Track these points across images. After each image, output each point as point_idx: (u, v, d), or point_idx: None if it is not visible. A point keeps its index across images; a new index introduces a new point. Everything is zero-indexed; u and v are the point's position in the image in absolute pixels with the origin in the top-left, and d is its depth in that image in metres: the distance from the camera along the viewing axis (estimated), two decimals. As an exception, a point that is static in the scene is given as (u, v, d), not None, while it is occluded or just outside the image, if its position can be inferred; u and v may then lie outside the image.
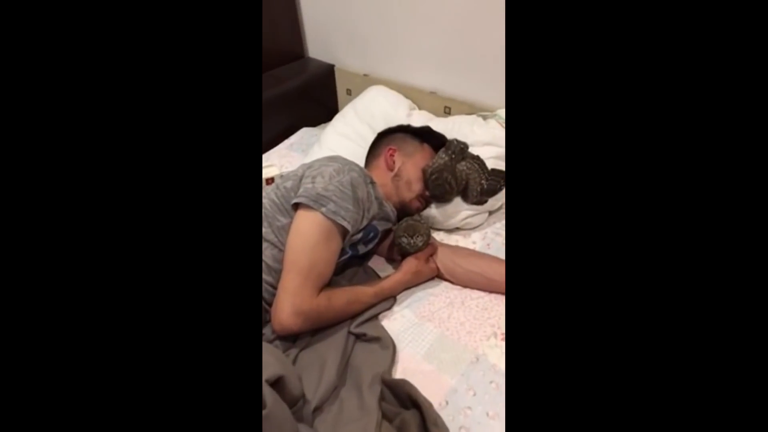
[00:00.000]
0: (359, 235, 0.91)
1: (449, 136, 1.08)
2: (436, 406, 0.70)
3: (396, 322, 0.87)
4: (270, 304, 0.81)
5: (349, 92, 1.58)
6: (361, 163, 1.03)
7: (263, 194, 0.90)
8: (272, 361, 0.64)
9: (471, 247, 1.06)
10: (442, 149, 1.04)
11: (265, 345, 0.72)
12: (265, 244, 0.83)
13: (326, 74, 1.60)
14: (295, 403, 0.66)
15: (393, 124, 1.12)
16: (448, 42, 1.28)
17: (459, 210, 1.09)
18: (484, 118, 1.20)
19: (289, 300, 0.76)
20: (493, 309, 0.88)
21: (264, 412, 0.55)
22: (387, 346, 0.80)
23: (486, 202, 1.09)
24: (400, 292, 0.93)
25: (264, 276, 0.82)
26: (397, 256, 1.00)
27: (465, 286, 0.95)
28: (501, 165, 1.10)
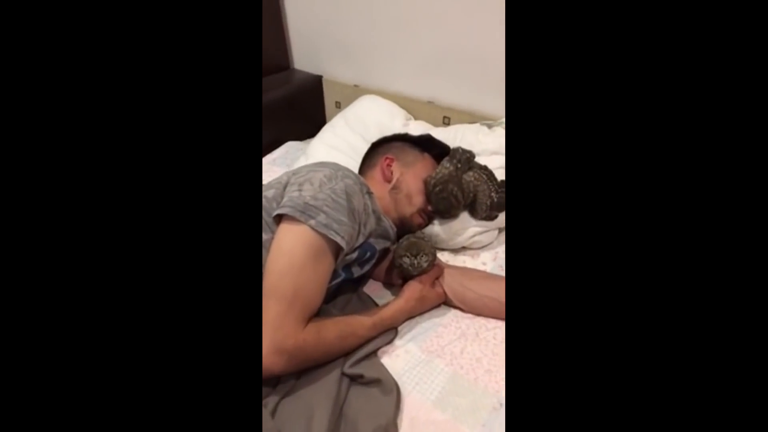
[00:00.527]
0: (354, 255, 0.78)
1: (452, 145, 0.97)
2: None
3: (399, 360, 0.74)
4: None
5: (338, 105, 1.48)
6: None
7: None
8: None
9: (481, 268, 0.94)
10: (446, 158, 0.94)
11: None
12: None
13: (313, 86, 1.51)
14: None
15: (388, 134, 1.02)
16: (445, 47, 1.20)
17: (466, 227, 0.97)
18: (489, 126, 1.10)
19: (269, 334, 0.62)
20: (515, 341, 0.75)
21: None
22: (389, 390, 0.66)
23: (496, 217, 0.97)
24: (403, 322, 0.80)
25: None
26: (397, 280, 0.88)
27: (478, 314, 0.82)
28: (511, 176, 0.99)
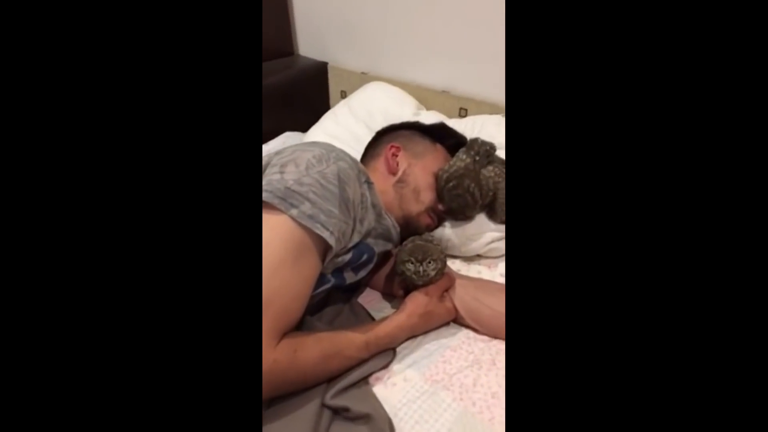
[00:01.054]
0: (347, 256, 0.66)
1: (470, 138, 0.86)
2: None
3: (396, 390, 0.61)
4: None
5: (343, 94, 1.39)
6: None
7: None
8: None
9: (499, 281, 0.81)
10: (462, 150, 0.82)
11: None
12: None
13: (318, 73, 1.41)
14: None
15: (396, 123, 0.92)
16: (462, 31, 1.11)
17: (483, 231, 0.85)
18: (512, 118, 0.97)
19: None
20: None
21: None
22: (380, 428, 0.54)
23: (519, 221, 0.84)
24: (402, 342, 0.68)
25: None
26: (398, 290, 0.76)
27: (495, 336, 0.70)
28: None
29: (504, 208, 0.82)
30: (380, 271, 0.79)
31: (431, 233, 0.82)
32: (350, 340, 0.60)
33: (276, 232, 0.55)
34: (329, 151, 0.63)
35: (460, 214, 0.82)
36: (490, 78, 1.10)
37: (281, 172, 0.58)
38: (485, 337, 0.69)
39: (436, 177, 0.79)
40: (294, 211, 0.55)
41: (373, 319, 0.71)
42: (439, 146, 0.86)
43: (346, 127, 1.10)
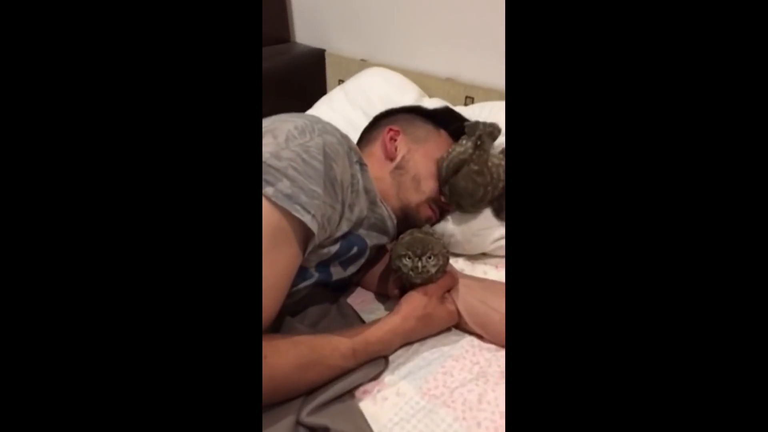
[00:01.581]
0: (334, 248, 0.58)
1: None
2: None
3: (387, 406, 0.54)
4: None
5: (341, 83, 1.32)
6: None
7: None
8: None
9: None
10: (466, 135, 0.76)
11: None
12: None
13: (315, 61, 1.36)
14: None
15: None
16: (468, 15, 1.05)
17: (489, 226, 0.78)
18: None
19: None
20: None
21: None
22: None
23: (530, 216, 0.77)
24: (397, 349, 0.61)
25: None
26: (393, 289, 0.69)
27: (503, 345, 0.63)
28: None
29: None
30: (373, 268, 0.72)
31: (432, 227, 0.75)
32: (334, 346, 0.53)
33: (247, 213, 0.47)
34: (314, 122, 0.55)
35: (465, 206, 0.75)
36: (498, 64, 1.04)
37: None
38: (492, 346, 0.62)
39: (439, 164, 0.73)
40: (269, 190, 0.47)
41: (363, 322, 0.64)
42: (443, 132, 0.79)
43: (341, 113, 1.04)
